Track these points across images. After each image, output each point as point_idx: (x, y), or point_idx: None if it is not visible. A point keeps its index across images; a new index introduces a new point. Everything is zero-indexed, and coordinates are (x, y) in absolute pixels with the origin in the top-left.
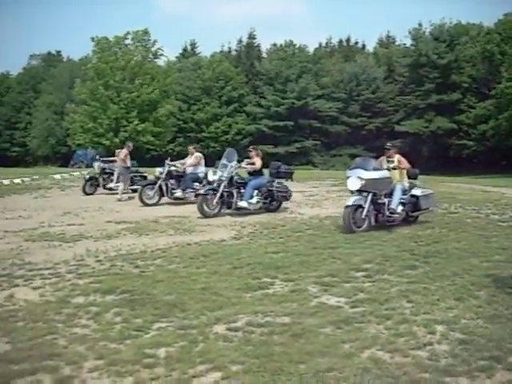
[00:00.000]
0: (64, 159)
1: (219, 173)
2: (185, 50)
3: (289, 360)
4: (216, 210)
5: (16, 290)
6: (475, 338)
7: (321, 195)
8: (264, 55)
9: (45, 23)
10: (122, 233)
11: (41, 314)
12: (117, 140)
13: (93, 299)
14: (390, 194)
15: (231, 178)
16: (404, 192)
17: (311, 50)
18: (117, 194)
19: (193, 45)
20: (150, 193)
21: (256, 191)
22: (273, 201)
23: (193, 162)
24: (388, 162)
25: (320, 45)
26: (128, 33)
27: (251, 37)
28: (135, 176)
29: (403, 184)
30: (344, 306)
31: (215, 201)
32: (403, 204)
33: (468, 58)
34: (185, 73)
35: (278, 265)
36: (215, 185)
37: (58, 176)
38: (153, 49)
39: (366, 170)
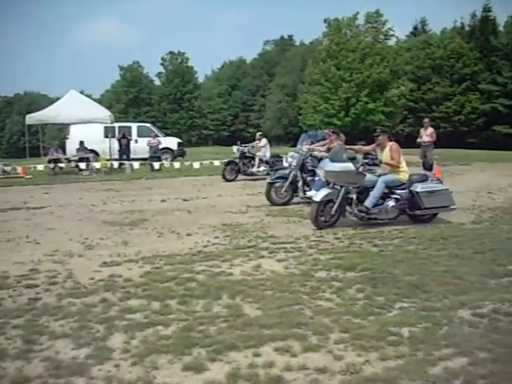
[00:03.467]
0: (295, 139)
1: (289, 159)
2: (415, 28)
3: None
4: (286, 199)
5: (262, 261)
6: None
7: None
8: (501, 28)
9: (279, 9)
10: None
11: (287, 285)
12: (348, 119)
13: (334, 274)
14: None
15: (303, 165)
16: (398, 186)
17: None
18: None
19: (423, 22)
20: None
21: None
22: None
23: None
24: (381, 151)
25: None
26: (358, 13)
27: (486, 9)
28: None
29: (392, 176)
30: None
31: (284, 189)
32: (396, 200)
33: None
34: (414, 52)
35: None
36: (287, 171)
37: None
38: (383, 29)
39: (331, 161)
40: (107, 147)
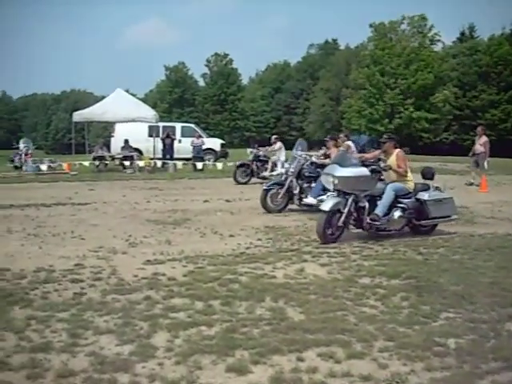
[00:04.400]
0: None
1: (286, 165)
2: (462, 33)
3: None
4: (281, 206)
5: (305, 264)
6: None
7: None
8: None
9: (324, 13)
10: None
11: (330, 290)
12: (391, 126)
13: (378, 281)
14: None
15: (300, 171)
16: (405, 195)
17: None
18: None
19: (471, 28)
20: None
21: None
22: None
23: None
24: (387, 158)
25: None
26: (403, 17)
27: None
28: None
29: (400, 185)
30: None
31: (280, 196)
32: (403, 210)
33: None
34: (460, 58)
35: None
36: (282, 178)
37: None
38: (429, 34)
39: (341, 166)
40: (151, 146)
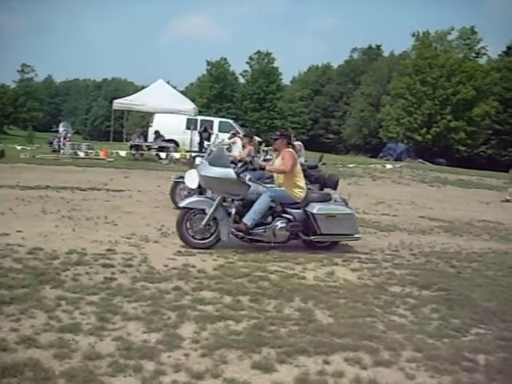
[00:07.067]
0: (373, 150)
1: (198, 159)
2: (509, 47)
3: None
4: None
5: (336, 268)
6: None
7: None
8: None
9: (370, 18)
10: (435, 230)
11: (360, 296)
12: (429, 136)
13: (409, 291)
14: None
15: None
16: (291, 204)
17: None
18: None
19: None
20: None
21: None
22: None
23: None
24: (277, 158)
25: None
26: (452, 28)
27: None
28: None
29: (281, 192)
30: None
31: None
32: (288, 221)
33: None
34: (504, 73)
35: None
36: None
37: (371, 165)
38: (476, 47)
39: (211, 164)
40: (188, 139)
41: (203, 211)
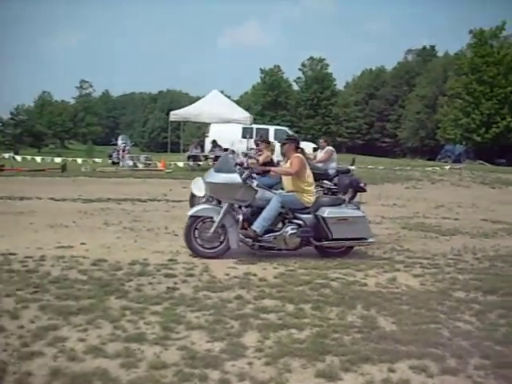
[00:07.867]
0: (431, 153)
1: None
2: None
3: None
4: None
5: (397, 274)
6: None
7: None
8: None
9: (423, 19)
10: (498, 233)
11: (423, 302)
12: (488, 136)
13: (474, 296)
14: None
15: None
16: (301, 209)
17: None
18: None
19: None
20: None
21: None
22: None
23: (323, 157)
24: (286, 163)
25: None
26: (505, 22)
27: None
28: None
29: (291, 196)
30: None
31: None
32: (298, 226)
33: None
34: None
35: None
36: None
37: (428, 168)
38: None
39: (216, 170)
40: (244, 147)
41: (211, 219)
